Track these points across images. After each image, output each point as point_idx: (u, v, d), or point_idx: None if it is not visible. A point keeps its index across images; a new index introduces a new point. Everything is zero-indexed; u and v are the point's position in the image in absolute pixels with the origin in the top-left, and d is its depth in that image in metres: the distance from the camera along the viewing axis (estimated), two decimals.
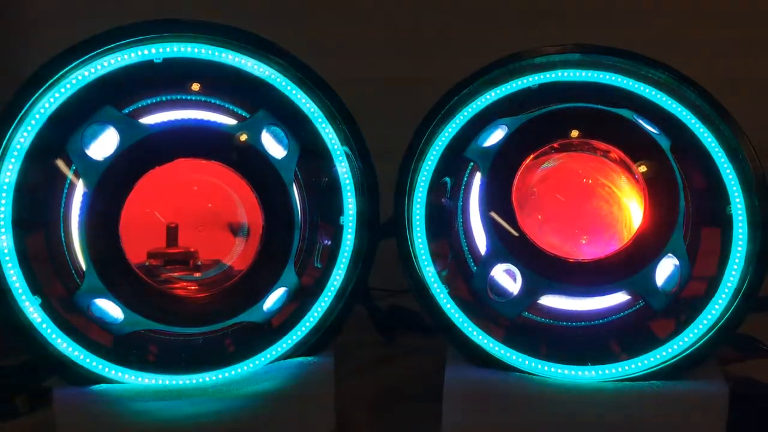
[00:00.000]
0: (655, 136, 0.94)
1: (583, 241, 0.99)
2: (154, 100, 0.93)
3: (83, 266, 0.88)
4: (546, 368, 0.92)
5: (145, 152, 0.88)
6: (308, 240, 0.98)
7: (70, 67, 0.87)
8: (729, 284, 0.92)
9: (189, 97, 0.94)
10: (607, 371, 0.92)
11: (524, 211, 0.96)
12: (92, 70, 0.88)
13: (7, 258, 0.85)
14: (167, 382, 0.90)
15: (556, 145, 0.96)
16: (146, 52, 0.89)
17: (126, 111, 0.91)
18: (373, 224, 0.96)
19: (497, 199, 0.93)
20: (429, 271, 0.95)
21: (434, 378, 0.93)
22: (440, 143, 0.97)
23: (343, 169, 0.96)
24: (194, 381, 0.90)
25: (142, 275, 0.89)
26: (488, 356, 0.93)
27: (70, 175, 0.90)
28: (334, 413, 0.92)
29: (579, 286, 0.93)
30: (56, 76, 0.86)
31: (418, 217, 0.96)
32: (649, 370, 0.91)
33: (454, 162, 0.97)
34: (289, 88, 0.94)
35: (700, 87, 0.95)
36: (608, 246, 0.95)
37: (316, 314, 0.95)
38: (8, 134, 0.85)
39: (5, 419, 1.01)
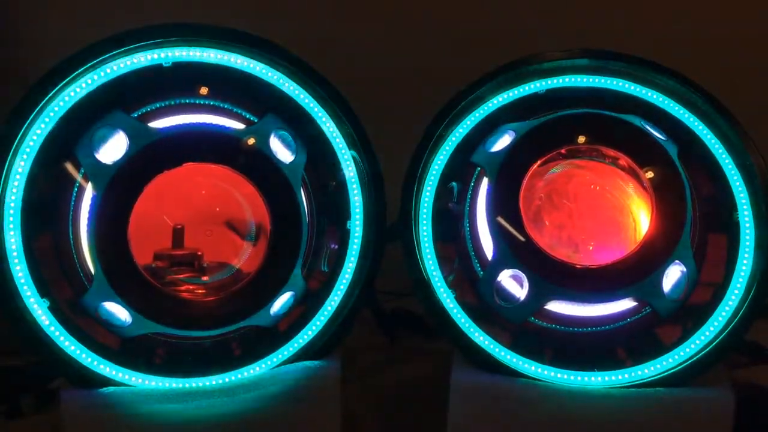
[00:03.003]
0: (663, 143, 0.94)
1: (590, 247, 0.99)
2: (163, 104, 0.93)
3: (92, 269, 0.89)
4: (552, 374, 0.92)
5: (154, 156, 0.88)
6: (315, 244, 0.98)
7: (79, 71, 0.87)
8: (736, 291, 0.92)
9: (198, 101, 0.94)
10: (613, 377, 0.91)
11: (531, 216, 0.96)
12: (101, 74, 0.88)
13: (16, 261, 0.85)
14: (174, 385, 0.90)
15: (563, 150, 0.96)
16: (155, 56, 0.89)
17: (135, 115, 0.91)
18: (380, 228, 0.96)
19: (504, 204, 0.93)
20: (435, 275, 0.95)
21: (440, 382, 0.93)
22: (447, 148, 0.97)
23: (350, 173, 0.96)
24: (201, 384, 0.90)
25: (150, 279, 0.89)
26: (494, 361, 0.93)
27: (79, 178, 0.90)
28: (340, 417, 0.92)
29: (586, 292, 0.93)
30: (65, 80, 0.86)
31: (424, 221, 0.96)
32: (655, 377, 0.91)
33: (462, 167, 0.97)
34: (297, 92, 0.94)
35: (707, 93, 0.95)
36: (615, 252, 0.95)
37: (322, 318, 0.95)
38: (18, 138, 0.85)
39: (11, 420, 1.01)
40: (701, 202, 0.96)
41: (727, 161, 0.94)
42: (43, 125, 0.86)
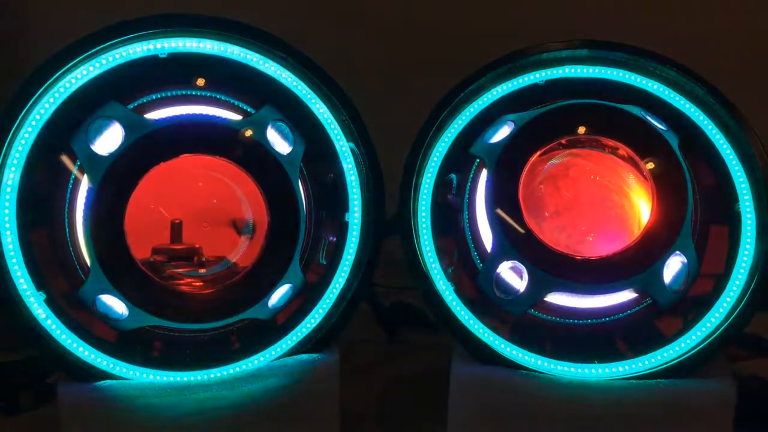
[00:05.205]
0: (664, 133, 0.93)
1: (591, 239, 0.98)
2: (159, 96, 0.92)
3: (88, 262, 0.88)
4: (552, 366, 0.92)
5: (150, 148, 0.88)
6: (313, 237, 0.97)
7: (75, 61, 0.86)
8: (737, 282, 0.92)
9: (194, 93, 0.93)
10: (613, 369, 0.91)
11: (531, 208, 0.96)
12: (97, 65, 0.88)
13: (12, 253, 0.85)
14: (171, 379, 0.89)
15: (563, 141, 0.96)
16: (151, 47, 0.89)
17: (131, 106, 0.91)
18: (379, 221, 0.96)
19: (504, 195, 0.92)
20: (435, 268, 0.95)
21: (439, 375, 0.93)
22: (447, 139, 0.96)
23: (348, 165, 0.96)
24: (199, 377, 0.90)
25: (146, 271, 0.89)
26: (494, 354, 0.92)
27: (74, 170, 0.89)
28: (339, 410, 0.91)
29: (586, 284, 0.92)
30: (61, 71, 0.86)
31: (423, 214, 0.95)
32: (656, 369, 0.91)
33: (461, 158, 0.97)
34: (294, 83, 0.94)
35: (708, 83, 0.94)
36: (616, 243, 0.95)
37: (320, 311, 0.95)
38: (13, 129, 0.85)
39: (10, 415, 1.01)
40: (702, 193, 0.95)
41: (728, 151, 0.94)
42: (38, 117, 0.86)
